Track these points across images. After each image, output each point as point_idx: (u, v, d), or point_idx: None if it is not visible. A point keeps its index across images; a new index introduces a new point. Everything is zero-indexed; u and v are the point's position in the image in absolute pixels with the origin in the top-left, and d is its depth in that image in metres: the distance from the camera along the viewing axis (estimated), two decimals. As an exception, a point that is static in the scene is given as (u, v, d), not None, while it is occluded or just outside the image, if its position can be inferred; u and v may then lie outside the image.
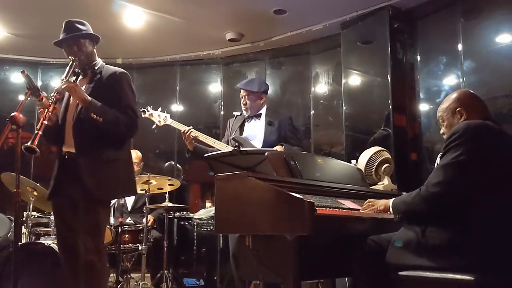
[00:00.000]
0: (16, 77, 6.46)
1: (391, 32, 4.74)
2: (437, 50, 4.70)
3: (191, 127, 3.48)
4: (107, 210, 2.89)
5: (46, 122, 2.48)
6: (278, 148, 3.37)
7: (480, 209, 1.94)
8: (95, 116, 2.62)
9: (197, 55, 6.39)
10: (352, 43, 5.16)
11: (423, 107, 4.76)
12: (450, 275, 1.89)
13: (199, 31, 5.64)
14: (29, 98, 2.60)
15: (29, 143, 2.34)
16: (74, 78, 2.71)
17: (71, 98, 2.79)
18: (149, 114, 3.68)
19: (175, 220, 5.23)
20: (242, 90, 3.62)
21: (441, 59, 4.67)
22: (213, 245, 4.87)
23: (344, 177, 2.75)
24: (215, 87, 6.57)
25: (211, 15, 5.23)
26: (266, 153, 2.41)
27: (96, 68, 2.85)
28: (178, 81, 6.59)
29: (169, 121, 3.69)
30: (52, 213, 2.80)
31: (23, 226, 4.16)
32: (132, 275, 4.38)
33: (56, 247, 3.13)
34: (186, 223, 5.26)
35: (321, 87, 5.75)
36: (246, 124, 3.63)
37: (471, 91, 2.33)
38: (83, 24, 2.87)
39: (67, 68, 2.71)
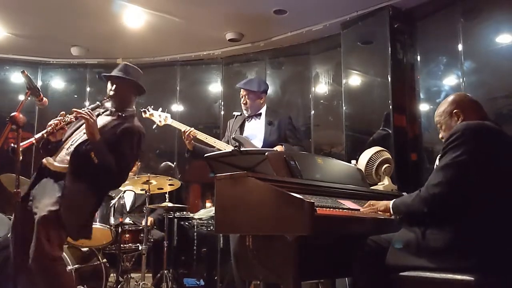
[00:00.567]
0: (16, 77, 6.47)
1: (391, 32, 4.74)
2: (437, 50, 4.70)
3: (192, 128, 3.48)
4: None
5: (46, 136, 2.49)
6: (278, 148, 3.37)
7: (480, 210, 1.94)
8: (93, 155, 2.65)
9: (197, 55, 6.39)
10: (352, 43, 5.16)
11: (423, 107, 4.76)
12: (450, 275, 1.89)
13: (199, 31, 5.65)
14: (29, 98, 2.60)
15: (17, 145, 2.34)
16: (96, 113, 2.79)
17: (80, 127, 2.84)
18: (150, 114, 3.69)
19: (175, 220, 5.23)
20: (242, 90, 3.62)
21: (441, 59, 4.67)
22: (213, 245, 4.87)
23: (344, 177, 2.75)
24: (215, 87, 6.57)
25: (211, 15, 5.23)
26: (266, 153, 2.41)
27: (123, 114, 2.91)
28: (178, 81, 6.59)
29: (170, 121, 3.69)
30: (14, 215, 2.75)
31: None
32: (132, 275, 4.37)
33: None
34: (186, 223, 5.26)
35: (321, 87, 5.75)
36: (247, 123, 3.63)
37: (466, 93, 2.34)
38: (137, 72, 3.00)
39: (99, 102, 2.81)
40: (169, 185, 4.49)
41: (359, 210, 2.35)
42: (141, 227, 4.32)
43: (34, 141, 2.45)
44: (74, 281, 3.25)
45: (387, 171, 3.52)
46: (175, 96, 6.58)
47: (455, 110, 2.20)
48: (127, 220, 4.64)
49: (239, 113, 3.66)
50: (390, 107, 4.64)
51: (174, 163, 6.27)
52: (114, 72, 2.94)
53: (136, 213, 4.84)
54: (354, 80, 5.17)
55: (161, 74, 6.66)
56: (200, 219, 5.02)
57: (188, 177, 6.32)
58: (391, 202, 2.24)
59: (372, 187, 3.26)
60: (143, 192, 4.36)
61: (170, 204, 4.53)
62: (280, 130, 3.53)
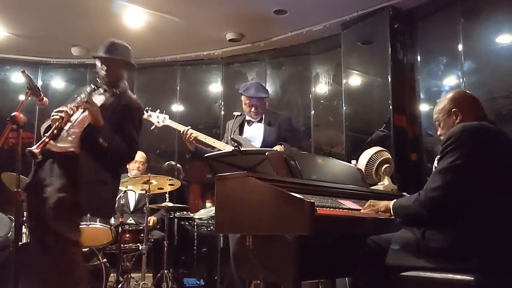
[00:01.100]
0: (17, 77, 6.47)
1: (391, 33, 4.74)
2: (437, 51, 4.70)
3: (189, 127, 3.47)
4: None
5: (55, 132, 2.50)
6: (278, 147, 3.36)
7: (479, 211, 1.94)
8: (102, 140, 2.66)
9: (198, 55, 6.39)
10: (352, 44, 5.17)
11: (423, 107, 4.76)
12: (450, 275, 1.89)
13: (199, 31, 5.65)
14: (29, 98, 2.60)
15: (34, 148, 2.34)
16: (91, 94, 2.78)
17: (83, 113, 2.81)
18: (148, 115, 3.67)
19: (176, 220, 5.24)
20: (254, 99, 3.52)
21: (441, 60, 4.68)
22: (214, 245, 4.88)
23: (345, 177, 2.75)
24: (215, 87, 6.57)
25: (211, 15, 5.23)
26: (266, 153, 2.41)
27: (117, 90, 2.91)
28: (179, 81, 6.60)
29: (168, 122, 3.69)
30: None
31: (23, 226, 4.16)
32: (132, 275, 4.38)
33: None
34: (187, 223, 5.26)
35: (321, 87, 5.75)
36: (247, 126, 3.62)
37: (466, 91, 2.34)
38: (125, 48, 2.98)
39: (93, 85, 2.81)
40: (169, 185, 4.50)
41: (359, 210, 2.35)
42: (141, 227, 4.32)
43: (47, 140, 2.44)
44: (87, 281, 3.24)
45: (387, 171, 3.52)
46: (175, 96, 6.58)
47: (453, 109, 2.20)
48: (130, 220, 4.65)
49: (239, 113, 3.66)
50: (390, 107, 4.64)
51: (177, 164, 6.28)
52: (103, 51, 2.91)
53: (139, 213, 4.85)
54: (354, 80, 5.17)
55: (161, 74, 6.68)
56: (200, 219, 5.02)
57: (188, 177, 6.32)
58: (392, 203, 2.24)
59: (372, 187, 3.26)
60: (143, 192, 4.37)
61: (170, 204, 4.54)
62: (279, 130, 3.52)
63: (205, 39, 5.89)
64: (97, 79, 2.91)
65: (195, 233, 5.06)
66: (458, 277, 1.86)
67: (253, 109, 3.54)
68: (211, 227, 4.92)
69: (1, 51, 6.22)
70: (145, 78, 6.51)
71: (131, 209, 4.89)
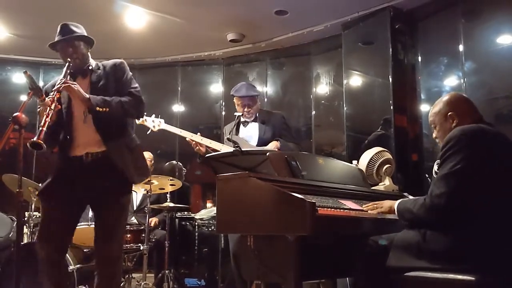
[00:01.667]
0: (18, 78, 6.48)
1: (392, 33, 4.75)
2: (438, 51, 4.70)
3: (191, 135, 3.49)
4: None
5: (49, 120, 2.48)
6: (274, 143, 3.39)
7: (479, 212, 1.95)
8: (100, 109, 2.63)
9: (199, 56, 6.40)
10: (353, 44, 5.17)
11: (424, 108, 4.76)
12: (451, 276, 1.89)
13: (200, 32, 5.66)
14: (31, 99, 2.60)
15: (35, 138, 2.34)
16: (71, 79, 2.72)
17: (72, 102, 2.79)
18: (143, 120, 3.66)
19: (177, 220, 5.24)
20: (246, 99, 3.57)
21: (442, 60, 4.68)
22: (215, 245, 4.88)
23: (345, 178, 2.76)
24: (216, 88, 6.58)
25: (212, 16, 5.24)
26: (267, 153, 2.41)
27: (91, 67, 2.88)
28: (180, 82, 6.61)
29: (164, 126, 3.69)
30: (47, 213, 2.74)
31: (24, 226, 4.17)
32: (134, 275, 4.38)
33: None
34: (188, 223, 5.27)
35: (322, 88, 5.76)
36: (242, 126, 3.65)
37: (461, 93, 2.34)
38: (78, 27, 2.90)
39: (64, 69, 2.71)
40: (171, 185, 4.50)
41: (360, 210, 2.35)
42: (142, 228, 4.33)
43: (44, 129, 2.44)
44: None
45: (388, 171, 3.53)
46: (176, 96, 6.59)
47: (449, 113, 2.21)
48: (133, 220, 4.66)
49: (240, 113, 3.67)
50: (391, 107, 4.65)
51: (179, 163, 6.28)
52: (60, 37, 2.83)
53: (142, 213, 4.85)
54: (355, 80, 5.18)
55: (162, 74, 6.69)
56: (201, 219, 5.03)
57: (189, 177, 6.32)
58: (396, 204, 2.24)
59: (373, 188, 3.27)
60: (144, 192, 4.37)
61: (171, 204, 4.54)
62: (274, 128, 3.55)
63: (206, 39, 5.90)
64: (70, 64, 2.77)
65: (196, 233, 5.07)
66: (459, 277, 1.87)
67: (246, 109, 3.59)
68: (212, 227, 4.93)
69: (3, 52, 6.23)
70: (146, 78, 6.52)
71: (134, 209, 4.90)
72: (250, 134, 3.58)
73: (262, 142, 3.48)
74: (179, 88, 6.60)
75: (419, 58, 4.85)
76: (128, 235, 4.29)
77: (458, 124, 2.16)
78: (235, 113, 3.67)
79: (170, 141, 6.24)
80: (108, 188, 2.68)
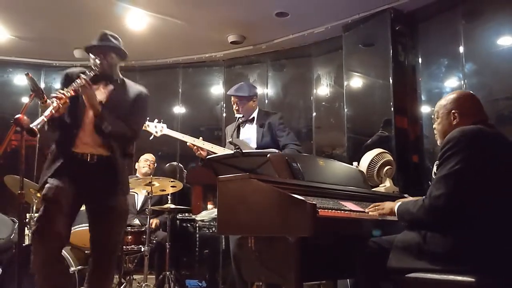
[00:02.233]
0: (20, 79, 6.50)
1: (393, 35, 4.76)
2: (439, 53, 4.71)
3: (189, 140, 3.52)
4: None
5: (54, 112, 2.49)
6: None
7: (479, 213, 1.95)
8: (103, 126, 2.72)
9: (200, 58, 6.41)
10: (354, 46, 5.18)
11: (425, 109, 4.77)
12: (452, 277, 1.90)
13: (201, 34, 5.67)
14: (33, 101, 2.60)
15: (33, 125, 2.34)
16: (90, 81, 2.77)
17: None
18: (146, 126, 3.69)
19: (178, 221, 5.24)
20: (232, 97, 3.65)
21: (443, 62, 4.69)
22: (215, 246, 4.89)
23: (346, 179, 2.76)
24: (217, 89, 6.59)
25: (213, 17, 5.25)
26: (268, 155, 2.42)
27: (117, 80, 2.95)
28: (181, 84, 6.62)
29: (166, 131, 3.74)
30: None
31: (26, 228, 4.17)
32: (135, 276, 4.38)
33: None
34: (189, 225, 5.27)
35: (323, 89, 5.76)
36: (241, 128, 3.67)
37: (472, 93, 2.35)
38: (116, 39, 2.99)
39: (89, 72, 2.77)
40: (172, 187, 4.51)
41: (361, 211, 2.35)
42: (143, 229, 4.33)
43: (45, 119, 2.45)
44: None
45: (388, 173, 3.53)
46: (177, 98, 6.60)
47: (453, 110, 2.22)
48: (135, 221, 4.66)
49: (241, 115, 3.68)
50: (392, 109, 4.65)
51: (179, 164, 6.29)
52: (96, 41, 2.96)
53: (144, 214, 4.85)
54: (356, 82, 5.18)
55: (164, 76, 6.70)
56: (202, 220, 5.03)
57: (190, 179, 6.33)
58: (396, 205, 2.25)
59: (373, 189, 3.27)
60: (145, 193, 4.38)
61: (172, 206, 4.54)
62: (271, 130, 3.55)
63: (207, 41, 5.91)
64: (97, 69, 2.85)
65: (197, 235, 5.08)
66: (460, 278, 1.87)
67: (234, 106, 3.64)
68: (213, 229, 4.93)
69: (4, 54, 6.25)
70: (147, 80, 6.52)
71: (137, 210, 4.91)
72: (248, 136, 3.59)
73: (260, 146, 3.48)
74: (180, 90, 6.62)
75: (420, 60, 4.86)
76: (129, 237, 4.29)
77: (459, 123, 2.17)
78: (236, 115, 3.69)
79: (171, 143, 6.23)
80: (107, 190, 2.77)
